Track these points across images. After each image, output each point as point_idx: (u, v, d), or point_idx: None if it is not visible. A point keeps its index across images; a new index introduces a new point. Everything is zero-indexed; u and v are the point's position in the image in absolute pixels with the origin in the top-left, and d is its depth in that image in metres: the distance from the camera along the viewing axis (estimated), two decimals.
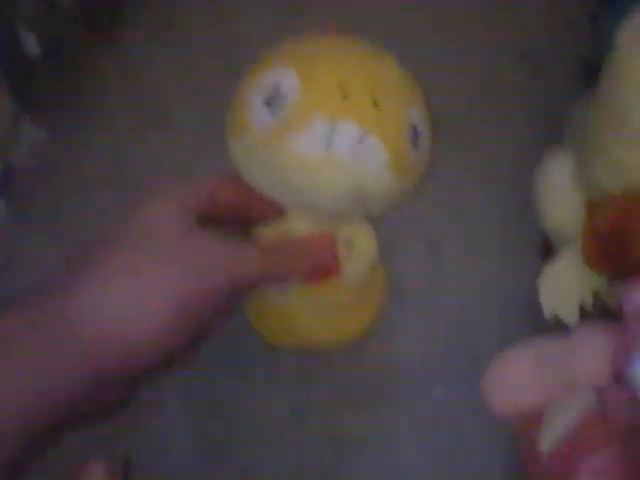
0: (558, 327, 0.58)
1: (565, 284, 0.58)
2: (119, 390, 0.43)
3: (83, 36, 0.86)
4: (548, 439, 0.51)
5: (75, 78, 0.86)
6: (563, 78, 0.84)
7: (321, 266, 0.58)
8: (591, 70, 0.79)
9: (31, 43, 0.70)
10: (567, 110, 0.68)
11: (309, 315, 0.61)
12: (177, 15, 0.92)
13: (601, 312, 0.59)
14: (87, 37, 0.86)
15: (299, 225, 0.58)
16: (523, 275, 0.69)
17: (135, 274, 0.43)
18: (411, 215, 0.73)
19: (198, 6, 0.93)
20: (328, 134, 0.51)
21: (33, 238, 0.73)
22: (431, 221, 0.73)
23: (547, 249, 0.66)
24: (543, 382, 0.50)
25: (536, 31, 0.89)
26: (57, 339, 0.40)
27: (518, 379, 0.51)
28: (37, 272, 0.71)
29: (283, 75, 0.52)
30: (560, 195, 0.60)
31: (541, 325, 0.60)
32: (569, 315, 0.57)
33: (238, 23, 0.91)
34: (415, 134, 0.54)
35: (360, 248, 0.60)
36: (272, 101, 0.52)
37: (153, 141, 0.81)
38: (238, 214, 0.53)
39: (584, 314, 0.58)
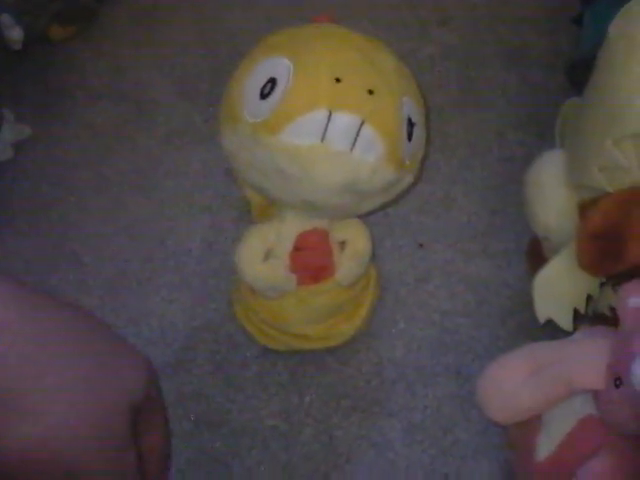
0: (552, 331, 0.58)
1: (559, 289, 0.57)
2: None
3: (59, 30, 0.85)
4: (545, 445, 0.50)
5: (54, 72, 0.84)
6: (545, 76, 0.84)
7: (314, 265, 0.57)
8: (576, 70, 0.80)
9: (16, 34, 0.68)
10: (550, 107, 0.67)
11: (302, 315, 0.60)
12: (159, 7, 0.91)
13: (593, 315, 0.59)
14: (63, 31, 0.85)
15: (293, 223, 0.56)
16: (511, 277, 0.69)
17: None
18: (398, 215, 0.73)
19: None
20: (323, 124, 0.49)
21: (12, 230, 0.72)
22: (418, 221, 0.73)
23: (534, 252, 0.66)
24: (540, 387, 0.49)
25: (520, 28, 0.89)
26: None
27: (514, 384, 0.50)
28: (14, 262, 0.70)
29: (277, 64, 0.51)
30: (552, 197, 0.59)
31: (534, 328, 0.60)
32: (564, 320, 0.57)
33: (223, 15, 0.90)
34: (410, 125, 0.53)
35: (354, 248, 0.58)
36: (266, 90, 0.50)
37: (135, 135, 0.79)
38: None
39: (577, 318, 0.57)
